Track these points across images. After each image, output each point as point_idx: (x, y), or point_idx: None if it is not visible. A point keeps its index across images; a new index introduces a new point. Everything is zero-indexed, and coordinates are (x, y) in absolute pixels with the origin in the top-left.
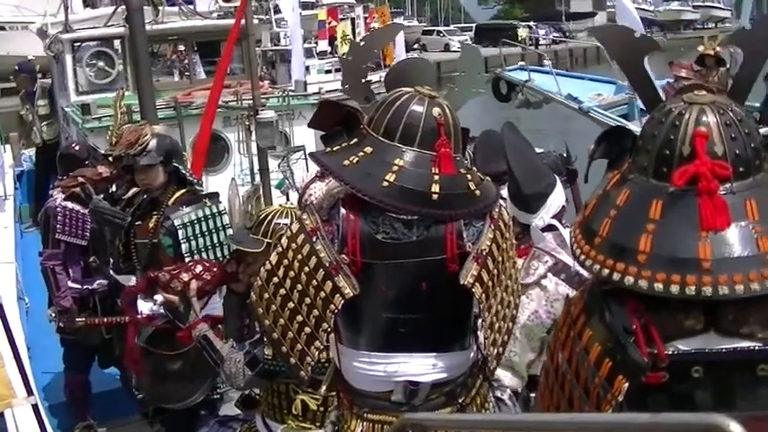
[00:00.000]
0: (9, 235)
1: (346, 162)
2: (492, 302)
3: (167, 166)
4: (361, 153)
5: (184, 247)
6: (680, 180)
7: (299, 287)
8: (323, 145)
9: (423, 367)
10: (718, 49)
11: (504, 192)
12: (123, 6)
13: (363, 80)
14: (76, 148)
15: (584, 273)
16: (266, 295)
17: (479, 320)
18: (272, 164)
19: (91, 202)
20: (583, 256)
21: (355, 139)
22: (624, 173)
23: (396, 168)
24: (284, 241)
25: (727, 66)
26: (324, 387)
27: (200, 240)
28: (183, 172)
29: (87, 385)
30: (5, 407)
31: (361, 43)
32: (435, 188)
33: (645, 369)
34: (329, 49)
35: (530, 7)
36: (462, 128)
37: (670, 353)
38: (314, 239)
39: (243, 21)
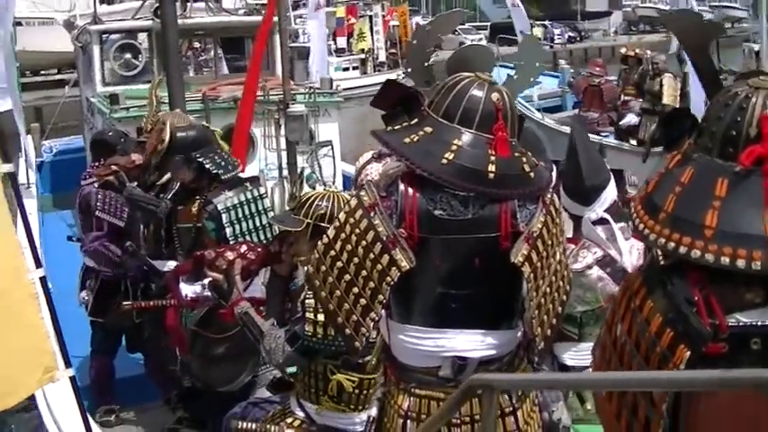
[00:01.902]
0: (34, 221)
1: (407, 140)
2: (540, 283)
3: (191, 164)
4: (422, 132)
5: (228, 231)
6: (747, 160)
7: (356, 260)
8: (383, 124)
9: (471, 343)
10: (637, 50)
11: None
12: (150, 1)
13: (426, 64)
14: (109, 134)
15: (629, 268)
16: (323, 268)
17: (528, 301)
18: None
19: (125, 189)
20: (647, 230)
21: (416, 120)
22: (686, 152)
23: (454, 148)
24: (342, 216)
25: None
26: (373, 361)
27: (244, 224)
28: (208, 166)
29: (112, 369)
30: (50, 379)
31: (427, 28)
32: (491, 168)
33: (707, 339)
34: (346, 46)
35: (545, 6)
36: (519, 115)
37: (730, 324)
38: (372, 214)
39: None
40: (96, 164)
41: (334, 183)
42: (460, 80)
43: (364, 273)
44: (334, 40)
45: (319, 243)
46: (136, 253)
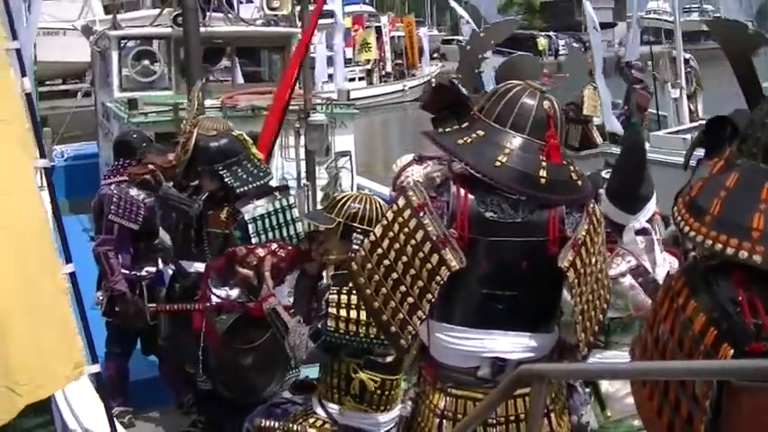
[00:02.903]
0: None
1: (460, 142)
2: (583, 290)
3: (213, 175)
4: (474, 135)
5: (255, 241)
6: None
7: (404, 259)
8: (432, 127)
9: (512, 345)
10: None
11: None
12: (169, 9)
13: (477, 70)
14: (134, 136)
15: (660, 280)
16: (369, 265)
17: (573, 307)
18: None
19: (160, 188)
20: (693, 233)
21: (466, 123)
22: (729, 159)
23: (507, 151)
24: (390, 215)
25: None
26: (408, 362)
27: (270, 234)
28: (228, 180)
29: (126, 371)
30: (79, 374)
31: (481, 35)
32: (543, 173)
33: (751, 337)
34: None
35: (549, 17)
36: None
37: None
38: (421, 214)
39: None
40: (118, 164)
41: None
42: (512, 87)
43: (413, 271)
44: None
45: (365, 241)
46: (149, 255)
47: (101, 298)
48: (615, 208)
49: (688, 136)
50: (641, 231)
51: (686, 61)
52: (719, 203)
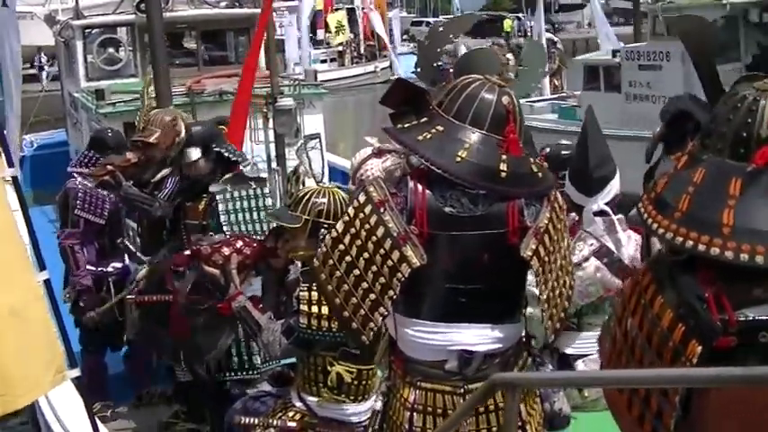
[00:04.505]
0: (19, 216)
1: (420, 137)
2: (548, 277)
3: (209, 155)
4: (434, 131)
5: (223, 218)
6: (761, 159)
7: (366, 255)
8: (391, 122)
9: (478, 337)
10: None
11: None
12: None
13: (435, 64)
14: (109, 134)
15: (625, 259)
16: (330, 261)
17: (539, 295)
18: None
19: (121, 188)
20: (661, 230)
21: (425, 118)
22: (693, 154)
23: (467, 146)
24: (351, 211)
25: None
26: (380, 353)
27: (240, 215)
28: (227, 154)
29: (103, 366)
30: (62, 379)
31: (440, 29)
32: (503, 167)
33: (718, 333)
34: (327, 38)
35: None
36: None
37: (739, 319)
38: (381, 210)
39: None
40: (87, 156)
41: (323, 175)
42: (471, 82)
43: (374, 268)
44: (314, 32)
45: (327, 237)
46: (116, 251)
47: (68, 296)
48: (575, 190)
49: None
50: (600, 213)
51: (554, 43)
52: (687, 199)
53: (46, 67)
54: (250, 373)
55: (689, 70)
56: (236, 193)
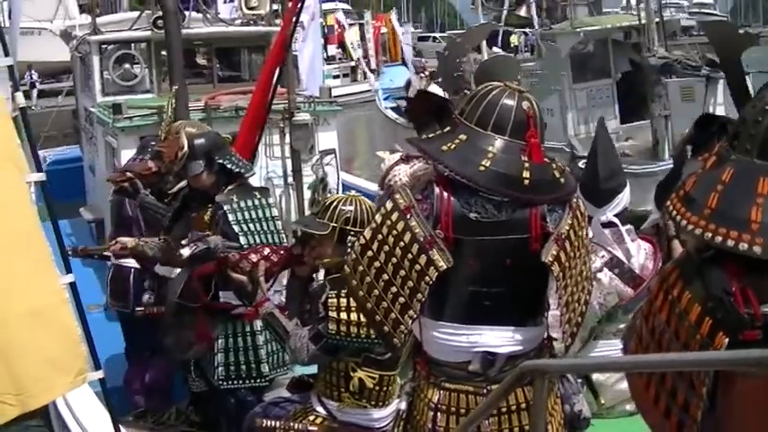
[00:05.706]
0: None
1: (444, 147)
2: (568, 282)
3: (212, 167)
4: (457, 140)
5: (236, 228)
6: None
7: (394, 260)
8: (416, 132)
9: (501, 339)
10: None
11: None
12: (148, 11)
13: (455, 74)
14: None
15: (636, 268)
16: (360, 268)
17: (558, 299)
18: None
19: (138, 196)
20: (691, 226)
21: (448, 128)
22: (721, 154)
23: (490, 155)
24: (378, 218)
25: None
26: (404, 357)
27: (251, 225)
28: (230, 166)
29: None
30: (83, 381)
31: (458, 39)
32: (526, 174)
33: (746, 326)
34: (337, 54)
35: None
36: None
37: (765, 312)
38: (408, 216)
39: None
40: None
41: (338, 191)
42: (491, 89)
43: (402, 272)
44: (326, 48)
45: (356, 244)
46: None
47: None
48: (584, 200)
49: None
50: (608, 224)
51: None
52: (717, 197)
53: (37, 84)
54: (258, 381)
55: None
56: (242, 203)
